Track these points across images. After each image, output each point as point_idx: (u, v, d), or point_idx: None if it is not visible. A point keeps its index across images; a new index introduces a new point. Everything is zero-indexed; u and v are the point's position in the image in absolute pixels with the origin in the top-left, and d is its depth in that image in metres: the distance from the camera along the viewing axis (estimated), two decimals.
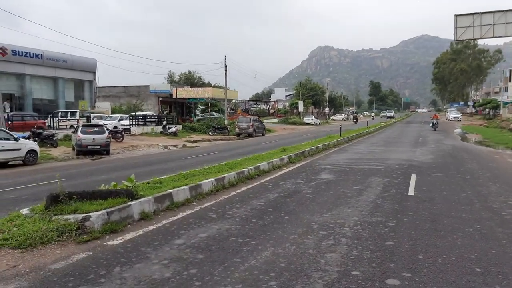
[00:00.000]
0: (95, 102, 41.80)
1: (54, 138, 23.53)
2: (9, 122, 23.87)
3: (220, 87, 64.38)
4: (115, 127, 30.99)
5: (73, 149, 22.04)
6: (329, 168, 13.49)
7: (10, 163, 16.96)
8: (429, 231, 6.36)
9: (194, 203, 8.20)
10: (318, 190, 9.72)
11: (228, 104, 54.88)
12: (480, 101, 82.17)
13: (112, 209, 6.40)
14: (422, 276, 4.57)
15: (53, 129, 27.11)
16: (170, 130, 35.14)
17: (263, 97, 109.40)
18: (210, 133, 38.74)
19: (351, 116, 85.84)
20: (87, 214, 6.01)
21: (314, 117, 67.58)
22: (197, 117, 52.64)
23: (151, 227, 6.54)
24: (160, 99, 50.39)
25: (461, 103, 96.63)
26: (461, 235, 6.14)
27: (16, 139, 17.00)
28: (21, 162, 17.15)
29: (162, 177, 9.73)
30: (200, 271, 4.71)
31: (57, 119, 29.34)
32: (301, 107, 70.92)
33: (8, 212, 8.04)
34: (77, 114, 32.97)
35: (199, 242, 5.79)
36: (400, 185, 10.42)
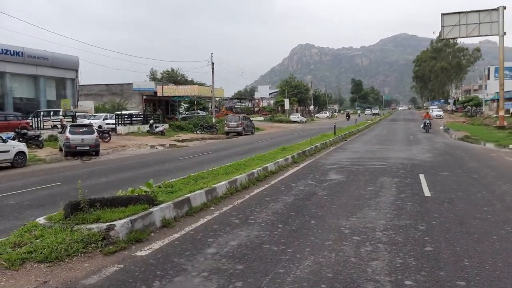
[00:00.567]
0: (78, 100, 40.62)
1: (40, 139, 22.72)
2: None
3: (202, 84, 63.65)
4: (100, 126, 30.06)
5: (60, 149, 21.31)
6: (335, 168, 13.34)
7: None
8: (462, 234, 6.23)
9: (212, 208, 7.88)
10: (333, 192, 9.53)
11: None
12: (460, 98, 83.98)
13: (135, 216, 6.03)
14: (477, 285, 4.40)
15: (38, 129, 26.17)
16: (157, 129, 34.39)
17: (246, 94, 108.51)
18: (198, 131, 38.14)
19: (335, 114, 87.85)
20: (111, 223, 5.62)
21: (300, 115, 67.70)
22: (181, 116, 51.87)
23: (176, 235, 6.21)
24: (144, 97, 49.40)
25: (441, 100, 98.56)
26: (496, 238, 6.03)
27: (4, 141, 16.27)
28: (9, 164, 16.42)
29: (172, 180, 9.36)
30: (246, 284, 4.43)
31: (39, 118, 28.30)
32: (287, 105, 70.89)
33: (15, 220, 7.62)
34: (60, 113, 31.95)
35: (233, 251, 5.50)
36: (413, 185, 10.33)
